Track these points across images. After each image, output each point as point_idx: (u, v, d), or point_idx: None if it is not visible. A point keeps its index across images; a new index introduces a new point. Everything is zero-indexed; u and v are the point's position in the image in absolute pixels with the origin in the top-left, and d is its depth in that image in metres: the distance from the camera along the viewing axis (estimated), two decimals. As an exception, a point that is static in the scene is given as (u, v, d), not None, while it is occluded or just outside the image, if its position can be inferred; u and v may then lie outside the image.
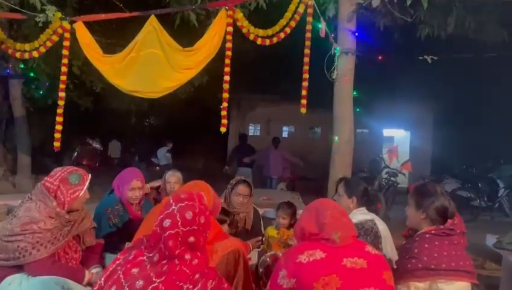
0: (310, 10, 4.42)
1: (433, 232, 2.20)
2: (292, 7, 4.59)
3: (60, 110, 4.64)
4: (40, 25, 4.35)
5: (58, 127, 4.60)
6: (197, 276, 1.58)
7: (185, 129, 15.47)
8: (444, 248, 2.13)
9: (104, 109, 10.99)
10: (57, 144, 4.57)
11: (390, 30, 6.40)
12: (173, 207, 1.67)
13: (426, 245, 2.15)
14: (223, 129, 4.70)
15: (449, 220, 2.22)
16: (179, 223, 1.62)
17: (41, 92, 9.46)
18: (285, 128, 17.57)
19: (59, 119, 4.62)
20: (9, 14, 4.65)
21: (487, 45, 6.27)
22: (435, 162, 15.02)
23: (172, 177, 3.84)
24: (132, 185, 3.24)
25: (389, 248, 2.62)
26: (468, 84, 12.29)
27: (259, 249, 3.41)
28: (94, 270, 2.61)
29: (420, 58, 4.63)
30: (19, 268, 2.41)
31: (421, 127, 15.30)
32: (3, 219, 5.26)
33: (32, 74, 8.64)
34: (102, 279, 1.66)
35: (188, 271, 1.58)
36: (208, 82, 8.86)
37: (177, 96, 9.11)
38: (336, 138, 4.50)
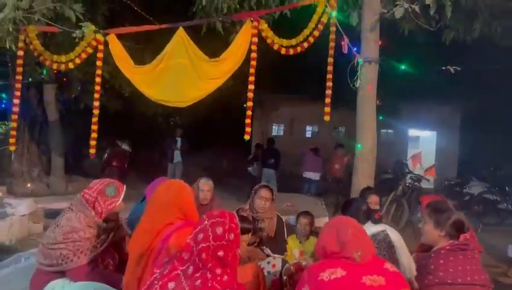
0: (332, 28, 4.51)
1: (448, 248, 2.27)
2: (315, 17, 4.68)
3: (95, 119, 4.89)
4: (77, 40, 4.59)
5: (94, 135, 4.84)
6: (226, 292, 1.72)
7: (208, 129, 15.72)
8: (459, 262, 2.20)
9: (132, 112, 11.32)
10: (92, 150, 4.82)
11: (415, 34, 6.40)
12: (206, 222, 1.83)
13: (441, 261, 2.22)
14: (246, 137, 4.84)
15: (462, 236, 2.29)
16: (210, 238, 1.78)
17: (73, 96, 9.85)
18: (308, 128, 17.60)
19: (94, 127, 4.86)
20: (47, 28, 4.91)
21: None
22: (461, 164, 14.77)
23: (206, 185, 3.97)
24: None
25: (405, 258, 2.70)
26: (497, 84, 12.02)
27: (284, 256, 3.54)
28: (129, 276, 2.80)
29: (443, 68, 4.62)
30: (61, 274, 2.62)
31: (448, 127, 15.04)
32: (40, 220, 5.61)
33: (65, 79, 9.01)
34: (141, 291, 1.82)
35: (218, 287, 1.72)
36: (233, 83, 9.05)
37: (203, 99, 9.34)
38: (359, 145, 4.58)
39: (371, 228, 2.74)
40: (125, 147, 9.42)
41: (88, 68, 8.34)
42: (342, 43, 4.35)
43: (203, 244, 1.77)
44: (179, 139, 10.10)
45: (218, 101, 11.52)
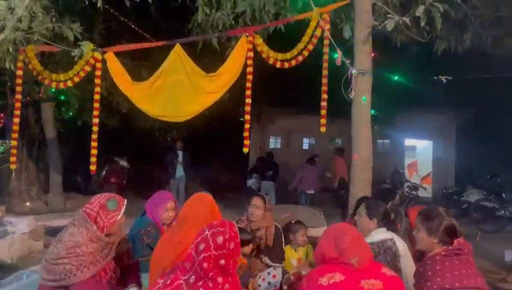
0: (326, 41, 4.62)
1: (443, 253, 2.31)
2: (309, 31, 4.79)
3: (94, 136, 4.95)
4: (76, 59, 4.68)
5: (94, 151, 4.90)
6: (228, 300, 1.77)
7: (206, 142, 15.78)
8: (455, 267, 2.25)
9: (130, 128, 11.38)
10: (93, 167, 4.86)
11: (407, 45, 6.53)
12: (207, 232, 1.88)
13: (438, 267, 2.26)
14: (245, 150, 4.91)
15: (455, 241, 2.33)
16: (212, 247, 1.82)
17: (71, 114, 9.92)
18: (305, 141, 17.69)
19: (94, 144, 4.92)
20: (45, 47, 5.00)
21: (506, 58, 6.32)
22: (458, 172, 14.86)
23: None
24: (167, 207, 3.47)
25: (409, 267, 2.74)
26: (491, 93, 12.19)
27: (283, 265, 3.57)
28: (132, 289, 2.83)
29: (435, 78, 4.73)
30: (65, 288, 2.65)
31: (444, 136, 15.17)
32: (40, 238, 5.63)
33: (62, 97, 9.09)
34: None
35: (220, 296, 1.77)
36: (230, 96, 9.15)
37: (200, 113, 9.44)
38: (355, 156, 4.65)
39: (379, 235, 2.80)
40: (123, 163, 9.46)
41: (86, 86, 8.46)
42: (336, 56, 4.45)
43: (205, 254, 1.81)
44: (180, 153, 9.70)
45: (215, 115, 11.63)
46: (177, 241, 2.40)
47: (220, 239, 1.85)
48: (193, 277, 1.82)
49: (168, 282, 1.86)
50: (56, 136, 9.45)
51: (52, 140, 9.34)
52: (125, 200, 2.96)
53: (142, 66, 8.28)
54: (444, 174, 14.37)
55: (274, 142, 17.85)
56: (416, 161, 6.20)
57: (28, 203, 8.81)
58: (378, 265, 2.06)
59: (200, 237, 1.88)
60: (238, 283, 1.90)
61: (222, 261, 1.82)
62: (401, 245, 2.87)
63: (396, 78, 5.55)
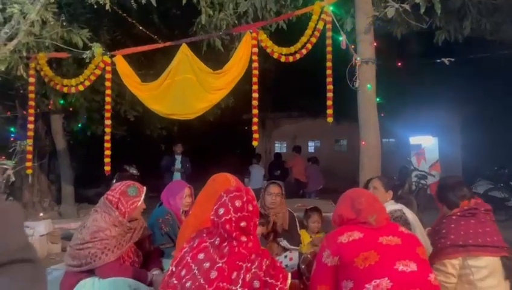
0: (328, 26, 4.74)
1: (458, 214, 2.40)
2: (312, 24, 4.92)
3: (107, 137, 5.06)
4: (87, 60, 4.81)
5: (107, 153, 5.02)
6: (253, 256, 1.84)
7: (212, 150, 15.90)
8: (470, 226, 2.32)
9: (138, 136, 11.52)
10: (107, 168, 4.98)
11: (409, 38, 6.63)
12: (225, 198, 1.96)
13: (452, 225, 2.34)
14: (255, 143, 5.00)
15: (472, 200, 2.41)
16: (231, 211, 1.91)
17: (79, 125, 10.06)
18: (310, 144, 17.79)
19: (107, 145, 5.04)
20: (57, 54, 5.15)
21: (506, 45, 6.41)
22: (466, 166, 14.83)
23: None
24: (185, 193, 3.57)
25: (419, 235, 2.81)
26: (494, 85, 12.25)
27: (299, 248, 3.64)
28: (154, 272, 2.91)
29: (438, 61, 4.82)
30: (90, 273, 2.73)
31: (449, 132, 15.17)
32: (58, 241, 5.71)
33: (71, 109, 9.24)
34: (173, 265, 1.95)
35: (245, 252, 1.85)
36: (233, 104, 9.29)
37: (206, 119, 9.57)
38: (363, 142, 4.72)
39: (388, 206, 2.87)
40: (133, 171, 9.54)
41: (93, 96, 8.61)
42: (341, 39, 4.56)
43: (226, 217, 1.89)
44: (178, 158, 8.72)
45: (220, 120, 11.79)
46: (194, 216, 2.49)
47: (238, 202, 1.93)
48: (218, 239, 1.90)
49: (194, 245, 1.94)
50: (66, 147, 9.58)
51: (62, 151, 9.47)
52: (145, 188, 3.06)
53: (148, 74, 8.43)
54: (452, 169, 14.31)
55: (279, 147, 17.95)
56: (423, 149, 6.25)
57: (41, 214, 8.89)
58: (395, 225, 2.13)
59: (219, 202, 1.96)
60: (259, 243, 1.99)
61: (243, 223, 1.90)
62: (411, 215, 2.95)
63: (399, 73, 5.67)
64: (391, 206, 2.92)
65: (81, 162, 11.32)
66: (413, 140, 16.25)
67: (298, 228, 3.82)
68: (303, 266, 3.25)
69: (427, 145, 16.09)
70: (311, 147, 17.72)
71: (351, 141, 15.50)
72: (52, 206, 9.63)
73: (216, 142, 15.53)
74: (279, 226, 3.69)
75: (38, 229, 5.20)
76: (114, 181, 9.77)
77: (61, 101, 8.91)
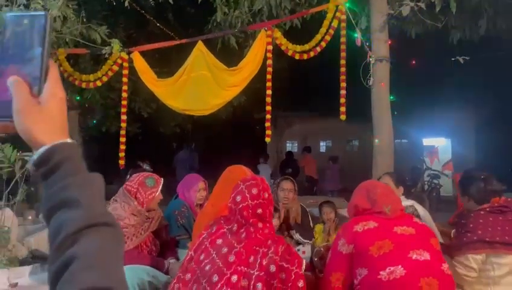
0: (343, 24, 4.78)
1: (487, 209, 2.38)
2: (326, 22, 4.96)
3: (123, 132, 5.17)
4: (106, 56, 4.92)
5: (122, 147, 5.12)
6: (269, 242, 1.90)
7: (224, 148, 16.00)
8: (498, 223, 2.30)
9: (151, 133, 11.67)
10: (121, 161, 5.08)
11: (423, 38, 6.62)
12: (242, 186, 2.03)
13: (481, 220, 2.33)
14: (267, 139, 5.06)
15: (503, 199, 2.40)
16: (248, 198, 1.97)
17: (94, 122, 10.23)
18: (322, 143, 17.75)
19: (122, 139, 5.14)
20: (76, 50, 5.26)
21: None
22: (480, 168, 14.67)
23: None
24: (199, 187, 3.64)
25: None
26: (508, 86, 12.13)
27: (311, 242, 3.68)
28: (171, 261, 2.98)
29: (452, 59, 4.82)
30: (109, 260, 2.82)
31: (462, 133, 15.03)
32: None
33: (87, 105, 9.40)
34: (192, 251, 2.01)
35: (261, 238, 1.91)
36: (245, 102, 9.37)
37: (218, 117, 9.69)
38: (377, 140, 4.75)
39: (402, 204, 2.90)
40: (146, 167, 9.66)
41: (108, 93, 8.75)
42: (356, 36, 4.60)
43: (243, 204, 1.96)
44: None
45: (232, 119, 11.90)
46: (210, 204, 2.56)
47: (254, 190, 1.99)
48: (235, 225, 1.97)
49: (212, 231, 2.00)
50: (81, 143, 9.75)
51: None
52: (162, 179, 3.14)
53: (162, 72, 8.55)
54: (465, 171, 14.21)
55: (291, 147, 17.96)
56: (437, 147, 6.23)
57: (56, 208, 9.08)
58: (410, 216, 2.18)
59: (236, 190, 2.03)
60: (274, 230, 2.05)
61: (259, 210, 1.96)
62: (423, 211, 2.98)
63: (413, 74, 5.68)
64: (403, 202, 2.94)
65: (95, 159, 11.49)
66: (426, 141, 16.13)
67: (311, 222, 3.85)
68: (316, 259, 3.29)
69: (440, 147, 16.03)
70: (322, 147, 17.69)
71: (363, 141, 15.46)
72: (66, 201, 9.82)
73: (228, 141, 15.63)
74: (292, 219, 3.74)
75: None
76: (128, 177, 9.93)
77: (77, 98, 9.07)
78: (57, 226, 0.63)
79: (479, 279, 2.32)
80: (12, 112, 0.66)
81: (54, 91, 0.70)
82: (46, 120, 0.68)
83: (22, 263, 4.44)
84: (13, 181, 4.29)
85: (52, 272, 0.61)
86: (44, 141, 0.66)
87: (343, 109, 4.97)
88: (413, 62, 5.76)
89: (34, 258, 4.72)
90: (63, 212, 0.63)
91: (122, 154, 5.16)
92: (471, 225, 2.34)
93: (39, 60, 0.68)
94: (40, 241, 5.10)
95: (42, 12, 0.70)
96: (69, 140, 0.70)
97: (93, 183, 0.69)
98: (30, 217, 7.90)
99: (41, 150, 0.66)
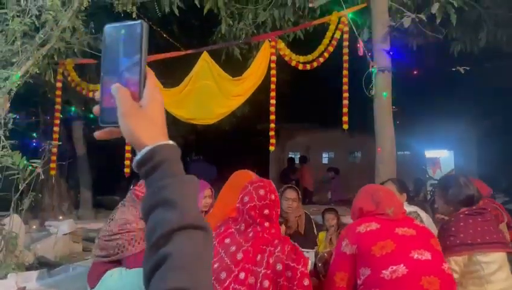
0: (345, 35, 4.89)
1: (466, 212, 2.45)
2: (329, 34, 5.08)
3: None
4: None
5: (128, 155, 5.19)
6: (276, 241, 1.97)
7: (226, 159, 16.09)
8: (477, 224, 2.38)
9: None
10: (127, 169, 5.16)
11: (424, 50, 6.72)
12: (249, 188, 2.10)
13: (461, 223, 2.40)
14: (271, 148, 5.15)
15: (481, 202, 2.47)
16: (255, 199, 2.04)
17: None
18: (324, 155, 17.78)
19: (128, 148, 5.21)
20: (84, 60, 5.39)
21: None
22: (481, 179, 14.64)
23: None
24: (205, 194, 3.69)
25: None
26: (510, 98, 12.20)
27: (314, 250, 3.72)
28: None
29: (453, 69, 4.91)
30: (117, 263, 2.87)
31: (465, 145, 15.03)
32: (79, 241, 5.90)
33: (92, 116, 9.52)
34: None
35: (268, 237, 1.98)
36: (248, 113, 9.48)
37: (221, 128, 9.80)
38: (379, 149, 4.82)
39: (404, 208, 2.95)
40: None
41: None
42: (358, 45, 4.70)
43: (250, 204, 2.03)
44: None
45: (235, 129, 11.99)
46: (217, 208, 2.63)
47: (262, 191, 2.06)
48: (243, 225, 2.03)
49: (221, 231, 2.07)
50: (85, 153, 9.85)
51: (82, 157, 9.74)
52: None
53: (166, 83, 8.68)
54: (467, 183, 14.20)
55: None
56: (439, 158, 6.28)
57: (60, 218, 9.12)
58: (410, 218, 2.24)
59: (244, 191, 2.10)
60: (280, 230, 2.11)
61: (266, 211, 2.03)
62: (425, 217, 3.03)
63: (415, 86, 5.77)
64: (406, 208, 2.98)
65: (98, 170, 11.56)
66: (429, 154, 16.15)
67: (315, 229, 3.90)
68: (319, 264, 3.35)
69: (443, 159, 16.04)
70: (325, 158, 17.73)
71: (365, 152, 15.51)
72: (70, 210, 9.87)
73: (231, 152, 15.71)
74: (293, 228, 3.78)
75: (62, 228, 5.40)
76: (131, 187, 9.99)
77: (83, 108, 9.20)
78: (153, 226, 0.66)
79: (471, 280, 2.37)
80: (118, 115, 0.70)
81: (153, 95, 0.74)
82: (148, 122, 0.71)
83: (28, 268, 4.54)
84: (21, 188, 4.38)
85: (146, 270, 0.65)
86: (147, 142, 0.70)
87: (345, 118, 5.05)
88: (415, 72, 5.79)
89: (41, 264, 4.82)
90: (159, 212, 0.66)
91: (127, 162, 5.24)
92: (453, 229, 2.40)
93: (138, 66, 0.73)
94: (46, 248, 5.19)
95: (138, 22, 0.74)
96: (170, 142, 0.72)
97: (190, 186, 0.70)
98: (34, 227, 7.98)
99: (144, 150, 0.69)
